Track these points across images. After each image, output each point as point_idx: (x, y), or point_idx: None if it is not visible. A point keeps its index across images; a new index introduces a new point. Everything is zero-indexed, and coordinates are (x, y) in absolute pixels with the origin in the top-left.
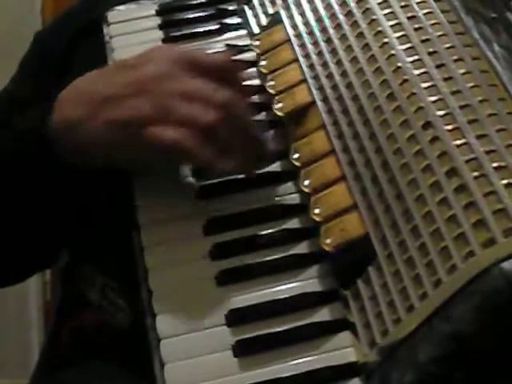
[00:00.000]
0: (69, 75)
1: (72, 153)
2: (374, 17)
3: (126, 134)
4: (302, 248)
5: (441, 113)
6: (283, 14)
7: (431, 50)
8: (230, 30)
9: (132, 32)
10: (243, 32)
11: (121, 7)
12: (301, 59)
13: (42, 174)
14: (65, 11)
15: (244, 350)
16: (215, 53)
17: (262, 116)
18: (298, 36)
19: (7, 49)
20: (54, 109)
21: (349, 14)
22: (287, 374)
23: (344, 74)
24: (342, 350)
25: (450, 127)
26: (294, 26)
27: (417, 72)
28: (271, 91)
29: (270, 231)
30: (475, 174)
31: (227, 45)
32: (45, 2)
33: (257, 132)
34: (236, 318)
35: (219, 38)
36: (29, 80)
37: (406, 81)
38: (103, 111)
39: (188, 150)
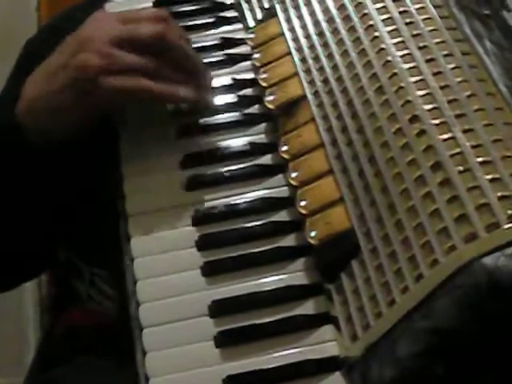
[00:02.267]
0: None
1: (36, 132)
2: (366, 11)
3: (81, 90)
4: (288, 241)
5: (428, 107)
6: (278, 7)
7: (421, 44)
8: (226, 24)
9: None
10: (239, 26)
11: None
12: (294, 53)
13: (16, 158)
14: (51, 19)
15: (226, 341)
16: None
17: (253, 109)
18: (292, 30)
19: (3, 47)
20: (21, 95)
21: (341, 8)
22: (268, 366)
23: (335, 67)
24: (324, 344)
25: (436, 121)
26: (288, 20)
27: (406, 66)
28: (263, 84)
29: (256, 223)
30: (460, 168)
31: (222, 38)
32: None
33: (198, 61)
34: (219, 309)
35: (215, 31)
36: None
37: (394, 74)
38: (56, 79)
39: (146, 88)
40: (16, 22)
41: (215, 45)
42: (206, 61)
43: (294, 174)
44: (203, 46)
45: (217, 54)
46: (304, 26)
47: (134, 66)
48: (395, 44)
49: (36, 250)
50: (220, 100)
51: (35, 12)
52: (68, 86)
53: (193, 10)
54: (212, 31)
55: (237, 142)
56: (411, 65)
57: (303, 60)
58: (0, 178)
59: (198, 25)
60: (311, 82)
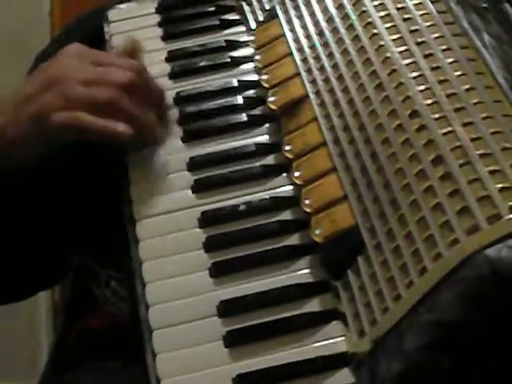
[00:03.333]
0: None
1: (3, 157)
2: (364, 8)
3: (38, 126)
4: (293, 240)
5: (427, 102)
6: (279, 9)
7: (420, 40)
8: (229, 26)
9: (132, 30)
10: (242, 28)
11: (121, 6)
12: (295, 53)
13: None
14: (62, 29)
15: (235, 341)
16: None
17: (258, 110)
18: (293, 30)
19: (16, 51)
20: None
21: (340, 7)
22: (277, 364)
23: (335, 66)
24: (332, 341)
25: (436, 116)
26: (289, 21)
27: (405, 62)
28: (265, 85)
29: (262, 223)
30: (460, 161)
31: (226, 41)
32: (53, 4)
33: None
34: (227, 309)
35: (218, 34)
36: None
37: (394, 71)
38: (20, 111)
39: (82, 123)
40: (29, 26)
41: (219, 47)
42: (210, 63)
43: (297, 173)
44: (208, 49)
45: (221, 56)
46: (304, 27)
47: (85, 100)
48: (394, 40)
49: (48, 258)
50: (225, 102)
51: (48, 17)
52: (28, 120)
53: (196, 13)
54: (216, 34)
55: (242, 144)
56: (410, 60)
57: (304, 60)
58: None
59: (201, 28)
60: (313, 82)
